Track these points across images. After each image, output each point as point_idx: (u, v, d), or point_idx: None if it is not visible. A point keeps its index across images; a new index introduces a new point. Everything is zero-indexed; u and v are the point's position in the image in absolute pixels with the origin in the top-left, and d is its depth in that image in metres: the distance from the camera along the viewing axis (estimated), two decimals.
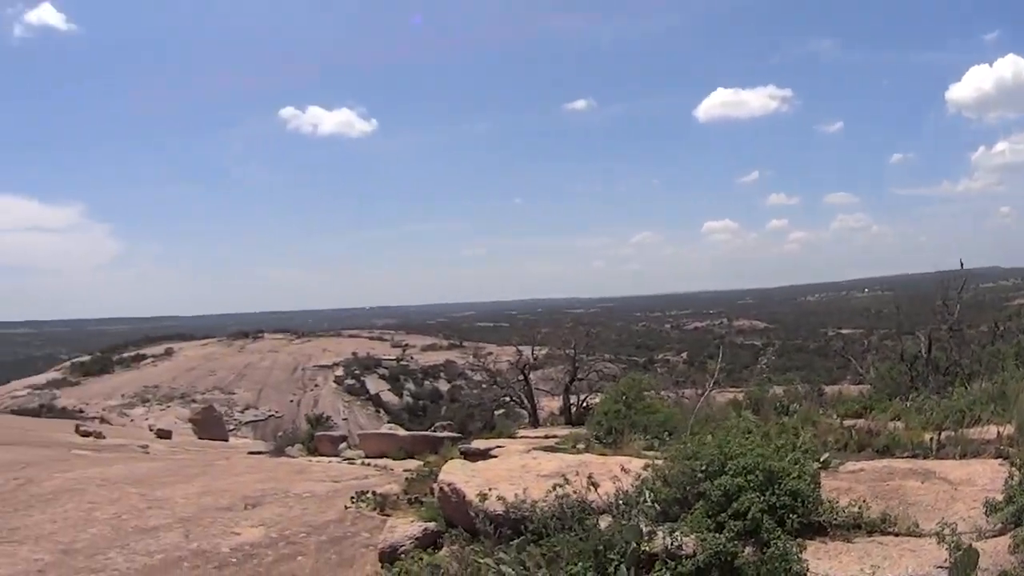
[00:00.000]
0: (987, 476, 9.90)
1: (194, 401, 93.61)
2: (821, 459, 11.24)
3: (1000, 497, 8.42)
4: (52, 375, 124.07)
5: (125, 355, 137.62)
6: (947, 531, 7.38)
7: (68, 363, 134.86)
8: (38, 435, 34.66)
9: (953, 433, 13.44)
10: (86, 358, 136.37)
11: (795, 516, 8.52)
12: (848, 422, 16.23)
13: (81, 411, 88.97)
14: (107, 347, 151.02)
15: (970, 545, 7.15)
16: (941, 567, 7.33)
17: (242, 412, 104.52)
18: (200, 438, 47.53)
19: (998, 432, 12.96)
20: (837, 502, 9.05)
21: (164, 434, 45.87)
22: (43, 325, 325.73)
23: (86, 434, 38.02)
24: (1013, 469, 8.86)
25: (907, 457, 12.62)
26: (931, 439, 13.25)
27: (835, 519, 8.83)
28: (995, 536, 8.01)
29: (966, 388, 18.55)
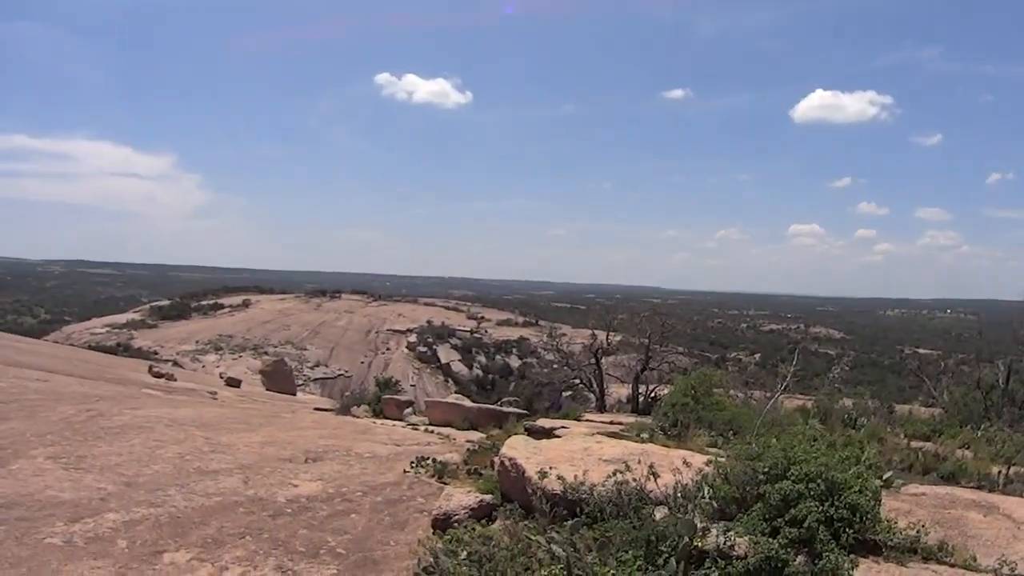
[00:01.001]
0: None
1: (266, 353, 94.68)
2: (884, 477, 11.16)
3: None
4: (131, 316, 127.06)
5: (203, 303, 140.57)
6: (1006, 570, 7.27)
7: (147, 306, 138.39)
8: (113, 372, 35.17)
9: (1023, 469, 13.27)
10: (165, 302, 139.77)
11: (851, 531, 8.46)
12: (915, 444, 16.12)
13: (155, 353, 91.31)
14: (186, 293, 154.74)
15: None
16: None
17: (312, 368, 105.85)
18: (268, 390, 47.80)
19: None
20: (895, 523, 8.96)
21: (233, 382, 46.34)
22: (126, 267, 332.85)
23: (158, 375, 38.48)
24: None
25: (972, 487, 12.42)
26: (999, 472, 13.08)
27: (891, 540, 8.74)
28: None
29: None
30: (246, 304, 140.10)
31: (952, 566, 8.50)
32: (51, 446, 14.65)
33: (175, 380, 38.14)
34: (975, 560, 8.51)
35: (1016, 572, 7.42)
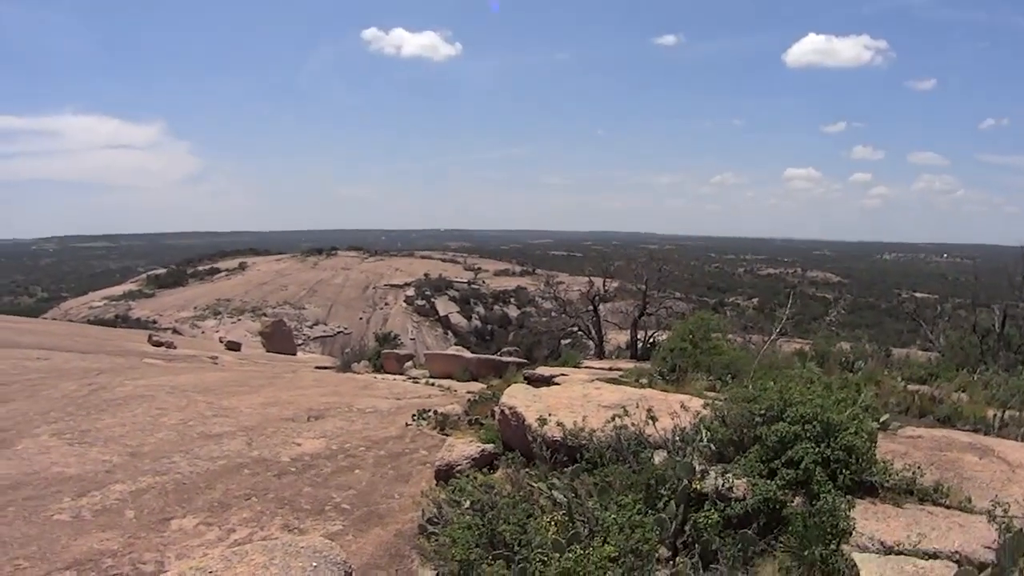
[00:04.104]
0: None
1: (264, 315, 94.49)
2: (880, 419, 11.21)
3: None
4: (128, 287, 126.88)
5: (199, 268, 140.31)
6: (1000, 511, 7.30)
7: (144, 276, 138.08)
8: (113, 344, 35.17)
9: (1018, 413, 13.30)
10: (161, 271, 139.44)
11: (847, 472, 8.52)
12: (912, 387, 16.13)
13: (155, 322, 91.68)
14: (182, 260, 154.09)
15: (1021, 530, 7.06)
16: (989, 547, 7.27)
17: (311, 327, 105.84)
18: (268, 351, 47.82)
19: None
20: (892, 464, 9.02)
21: (233, 346, 46.35)
22: (120, 239, 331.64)
23: (158, 344, 38.49)
24: None
25: (967, 430, 12.47)
26: (994, 416, 13.12)
27: (887, 481, 8.82)
28: None
29: None
30: (242, 267, 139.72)
31: (947, 507, 8.57)
32: (55, 423, 14.88)
33: (175, 348, 38.27)
34: (970, 501, 8.58)
35: (1010, 513, 7.45)
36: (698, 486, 8.63)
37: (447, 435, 14.58)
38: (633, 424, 10.21)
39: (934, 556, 7.31)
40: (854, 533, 7.75)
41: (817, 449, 8.56)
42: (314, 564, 6.67)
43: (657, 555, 7.96)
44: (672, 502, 8.53)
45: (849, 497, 8.19)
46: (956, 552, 7.38)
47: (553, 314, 40.11)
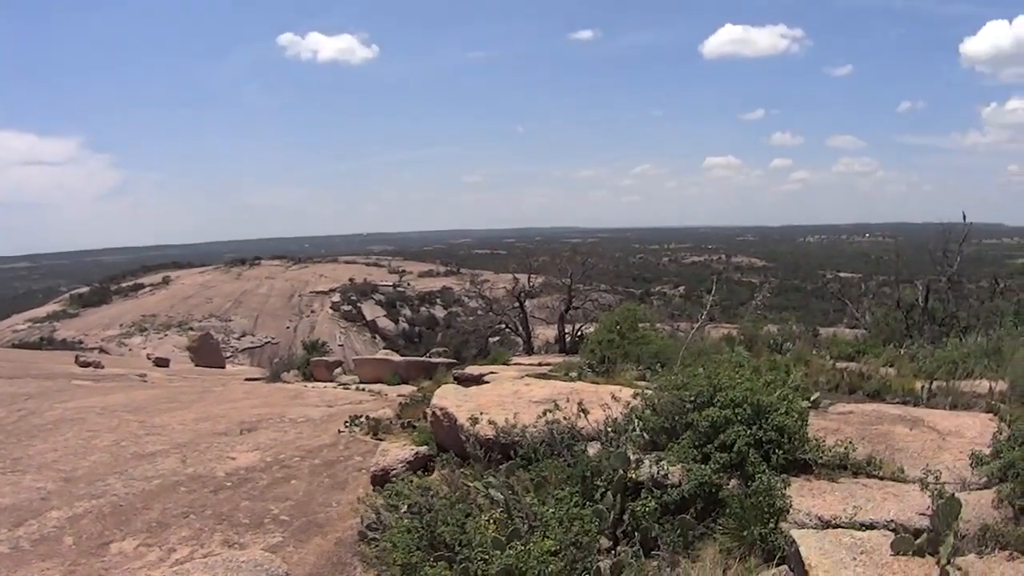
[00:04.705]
0: (976, 429, 9.97)
1: (191, 329, 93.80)
2: (811, 398, 11.28)
3: (987, 451, 8.44)
4: (52, 307, 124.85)
5: (123, 285, 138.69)
6: (931, 479, 7.39)
7: (67, 295, 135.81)
8: (39, 367, 34.61)
9: (945, 384, 13.47)
10: (85, 289, 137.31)
11: (781, 452, 8.57)
12: (840, 364, 16.27)
13: (80, 342, 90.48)
14: (105, 278, 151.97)
15: (953, 495, 7.14)
16: (923, 514, 7.36)
17: (239, 339, 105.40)
18: (197, 365, 47.45)
19: (990, 387, 13.01)
20: (824, 441, 9.08)
21: (162, 362, 45.85)
22: (41, 258, 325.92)
23: (85, 364, 37.90)
24: (1003, 424, 8.90)
25: (897, 403, 12.61)
26: (922, 387, 13.27)
27: (821, 458, 8.88)
28: (979, 489, 8.04)
29: (961, 340, 18.59)
30: (166, 281, 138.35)
31: (881, 479, 8.65)
32: None
33: (103, 367, 37.69)
34: (903, 471, 8.67)
35: (942, 480, 7.54)
36: (633, 475, 8.65)
37: (380, 440, 14.53)
38: (565, 418, 10.23)
39: (871, 526, 7.39)
40: (791, 510, 7.80)
41: (749, 431, 8.60)
42: None
43: (598, 546, 7.97)
44: (609, 492, 8.54)
45: (784, 476, 8.24)
46: (892, 521, 7.47)
47: (480, 313, 40.28)
